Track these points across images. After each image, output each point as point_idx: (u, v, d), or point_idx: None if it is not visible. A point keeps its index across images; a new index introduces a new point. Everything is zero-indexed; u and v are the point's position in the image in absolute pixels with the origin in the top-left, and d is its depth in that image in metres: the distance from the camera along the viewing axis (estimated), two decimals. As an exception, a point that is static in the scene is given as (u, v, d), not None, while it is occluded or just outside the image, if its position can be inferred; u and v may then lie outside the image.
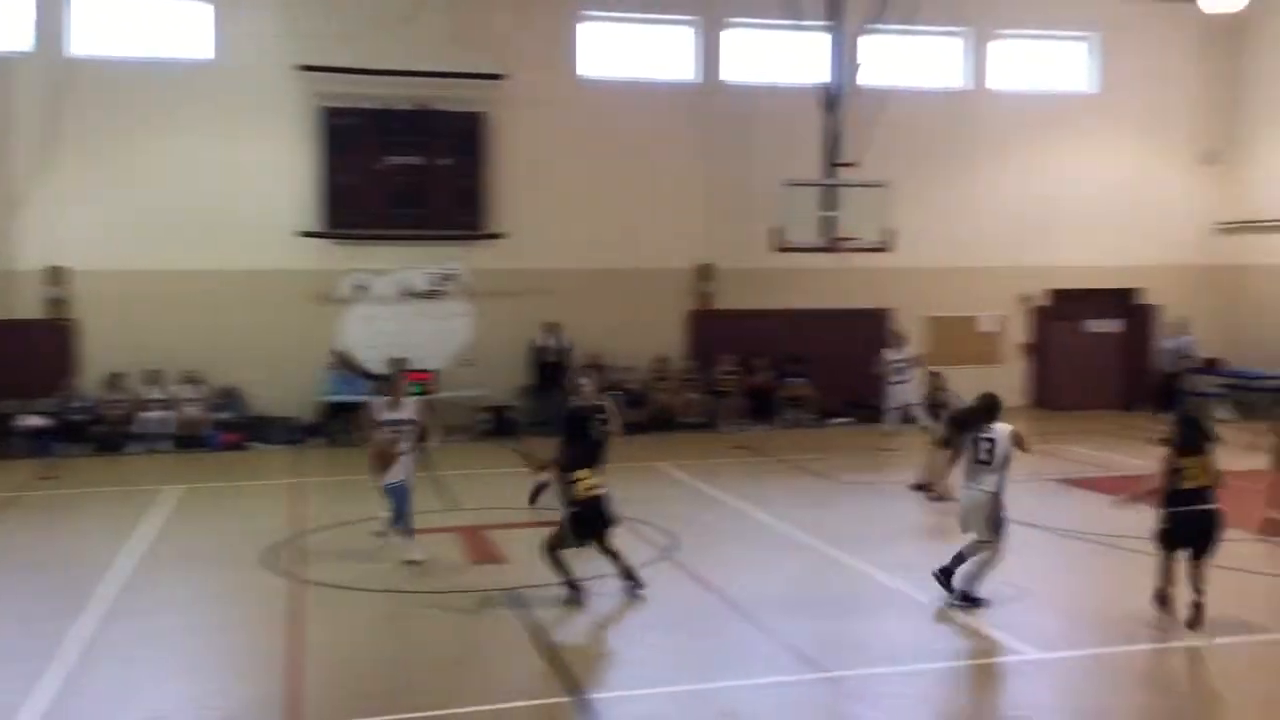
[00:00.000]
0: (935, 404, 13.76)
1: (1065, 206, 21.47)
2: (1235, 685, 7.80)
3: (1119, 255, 21.73)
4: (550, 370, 19.02)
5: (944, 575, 9.08)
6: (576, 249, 19.57)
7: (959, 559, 9.04)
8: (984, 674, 7.72)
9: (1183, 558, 8.47)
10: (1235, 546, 10.40)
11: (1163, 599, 8.60)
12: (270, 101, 18.41)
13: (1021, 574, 10.71)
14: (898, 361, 17.18)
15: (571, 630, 8.76)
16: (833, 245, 18.50)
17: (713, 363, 19.99)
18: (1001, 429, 8.95)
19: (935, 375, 14.09)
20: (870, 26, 18.78)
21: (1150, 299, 22.20)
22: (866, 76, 19.11)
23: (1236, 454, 10.52)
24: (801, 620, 8.87)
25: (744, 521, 12.57)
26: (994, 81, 21.61)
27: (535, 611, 8.91)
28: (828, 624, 8.89)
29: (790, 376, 20.24)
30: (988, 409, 9.09)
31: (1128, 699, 7.49)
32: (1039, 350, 21.83)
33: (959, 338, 21.31)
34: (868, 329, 20.78)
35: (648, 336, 19.88)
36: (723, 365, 19.94)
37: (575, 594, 9.12)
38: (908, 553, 11.27)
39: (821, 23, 19.11)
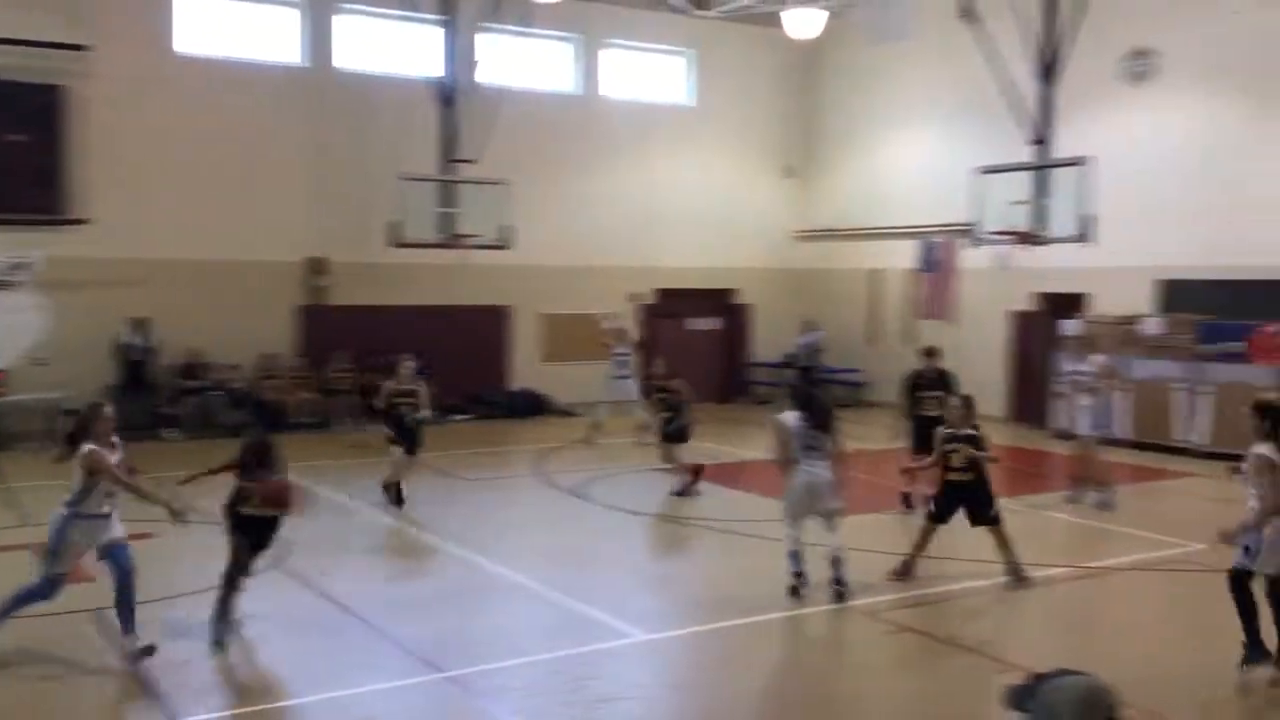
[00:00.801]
0: (664, 391, 13.98)
1: (670, 211, 22.72)
2: (831, 652, 8.58)
3: (717, 258, 23.32)
4: (138, 369, 17.63)
5: (839, 584, 9.14)
6: (173, 238, 18.15)
7: (839, 583, 9.11)
8: (597, 658, 7.95)
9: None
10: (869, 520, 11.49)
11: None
12: None
13: (629, 559, 11.20)
14: (620, 354, 17.59)
15: (175, 651, 8.07)
16: (451, 242, 18.48)
17: (326, 360, 19.28)
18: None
19: (658, 365, 14.34)
20: (485, 25, 18.89)
21: (743, 299, 24.04)
22: (485, 74, 19.20)
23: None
24: (424, 620, 8.74)
25: (362, 524, 12.22)
26: (606, 88, 22.46)
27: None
28: (450, 621, 8.81)
29: (408, 374, 19.93)
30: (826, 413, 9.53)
31: (722, 673, 7.97)
32: (648, 347, 22.92)
33: (576, 335, 21.95)
34: (488, 326, 21.00)
35: (254, 332, 18.83)
36: (336, 363, 19.29)
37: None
38: (529, 545, 11.45)
39: (436, 17, 19.00)
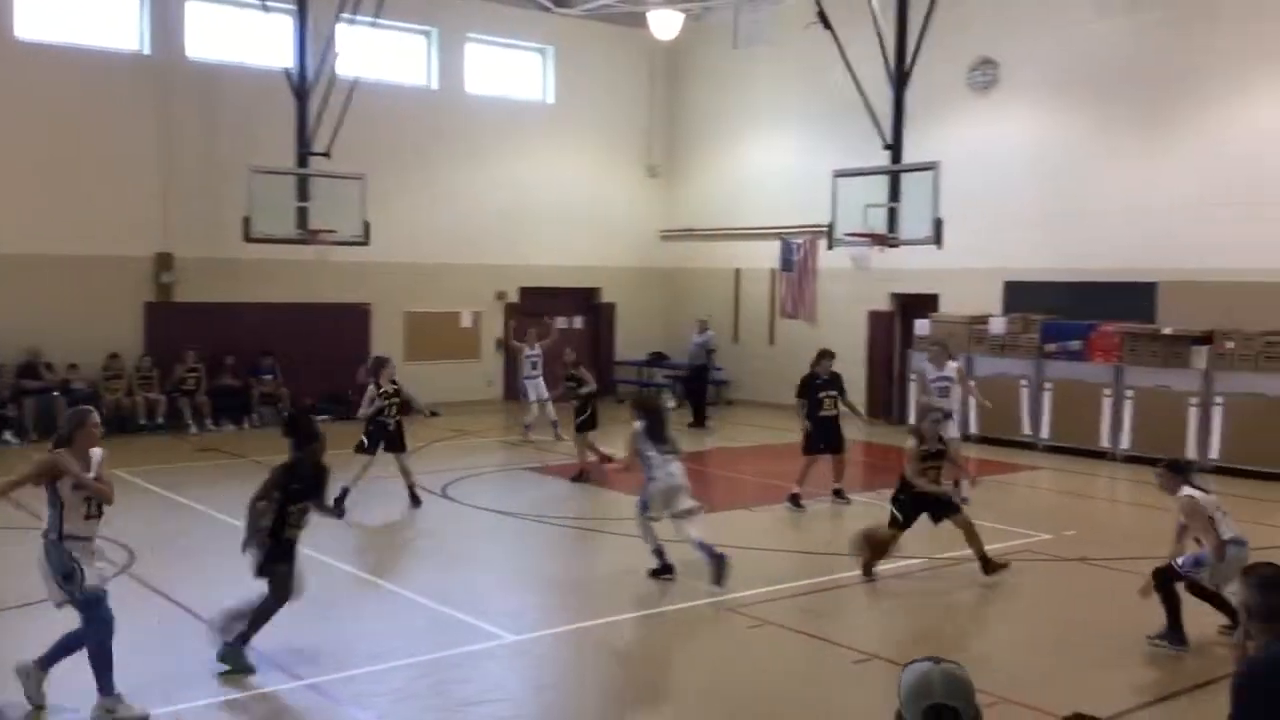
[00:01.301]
0: (571, 379, 14.48)
1: (534, 209, 22.60)
2: (694, 648, 8.65)
3: (581, 257, 23.31)
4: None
5: (714, 558, 9.36)
6: (11, 231, 17.23)
7: (714, 557, 9.36)
8: (464, 661, 7.84)
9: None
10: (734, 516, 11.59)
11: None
12: None
13: (496, 559, 11.08)
14: (532, 356, 17.86)
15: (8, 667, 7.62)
16: (307, 237, 17.99)
17: (175, 360, 18.55)
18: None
19: (569, 356, 14.91)
20: (340, 15, 18.42)
21: (608, 298, 24.09)
22: (341, 65, 18.73)
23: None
24: (281, 626, 8.42)
25: (213, 528, 11.76)
26: (466, 83, 22.19)
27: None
28: (310, 627, 8.53)
29: (262, 373, 19.36)
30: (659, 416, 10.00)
31: (589, 671, 7.99)
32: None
33: (439, 333, 21.69)
34: (348, 324, 20.56)
35: (96, 331, 17.99)
36: (186, 362, 18.57)
37: None
38: (391, 548, 11.22)
39: (287, 5, 18.46)
